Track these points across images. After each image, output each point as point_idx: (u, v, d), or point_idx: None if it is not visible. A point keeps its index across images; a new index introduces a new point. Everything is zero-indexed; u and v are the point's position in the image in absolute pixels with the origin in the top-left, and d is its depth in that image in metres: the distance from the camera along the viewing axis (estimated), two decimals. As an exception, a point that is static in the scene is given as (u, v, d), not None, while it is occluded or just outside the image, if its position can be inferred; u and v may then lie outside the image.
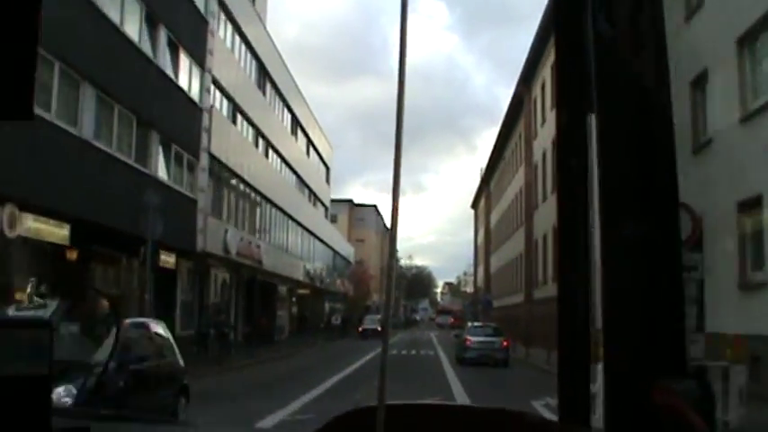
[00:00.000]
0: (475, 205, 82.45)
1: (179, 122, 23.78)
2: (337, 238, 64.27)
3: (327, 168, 59.57)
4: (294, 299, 49.23)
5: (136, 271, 21.31)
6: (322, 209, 57.31)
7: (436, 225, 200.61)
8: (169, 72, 23.00)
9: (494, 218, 66.00)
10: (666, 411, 1.01)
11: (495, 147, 60.64)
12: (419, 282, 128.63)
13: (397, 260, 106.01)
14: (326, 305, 73.60)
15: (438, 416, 1.34)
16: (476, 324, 34.25)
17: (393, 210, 0.96)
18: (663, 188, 1.09)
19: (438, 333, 76.76)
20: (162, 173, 22.69)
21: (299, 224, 46.19)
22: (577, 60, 1.21)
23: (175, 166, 23.94)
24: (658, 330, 1.08)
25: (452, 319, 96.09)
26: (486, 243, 69.45)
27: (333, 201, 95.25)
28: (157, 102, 21.41)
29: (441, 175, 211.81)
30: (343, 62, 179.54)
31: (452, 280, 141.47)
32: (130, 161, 20.04)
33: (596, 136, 1.14)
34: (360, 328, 56.39)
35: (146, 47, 21.05)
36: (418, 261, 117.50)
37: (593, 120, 1.17)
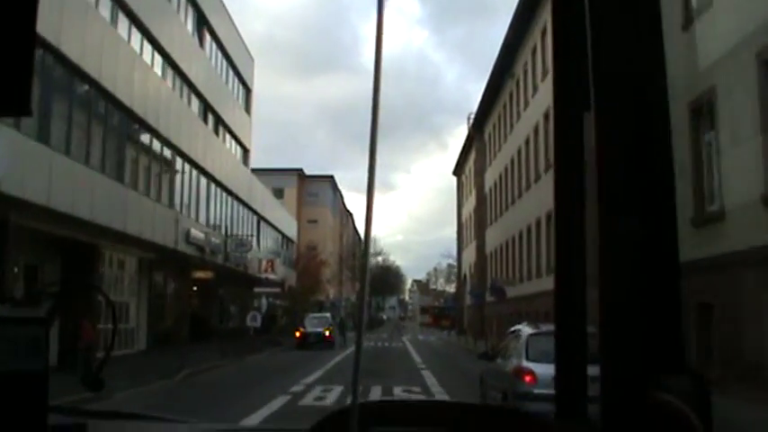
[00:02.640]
0: (459, 169, 63.71)
1: None
2: (271, 203, 44.79)
3: (247, 89, 40.06)
4: (173, 284, 29.81)
5: None
6: (239, 151, 38.18)
7: (405, 224, 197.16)
8: None
9: (491, 176, 47.42)
10: (663, 408, 1.00)
11: (494, 75, 41.92)
12: (387, 278, 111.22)
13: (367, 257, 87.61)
14: (264, 300, 54.59)
15: (435, 413, 1.33)
16: (545, 329, 12.87)
17: (367, 210, 0.95)
18: (660, 186, 1.10)
19: (412, 337, 57.74)
20: None
21: (193, 164, 27.20)
22: (574, 59, 1.23)
23: None
24: (655, 327, 1.07)
25: (431, 318, 76.83)
26: (479, 215, 50.72)
27: (278, 170, 76.75)
28: None
29: (411, 173, 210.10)
30: (312, 58, 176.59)
31: (421, 278, 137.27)
32: None
33: (594, 134, 1.12)
34: (298, 333, 37.29)
35: None
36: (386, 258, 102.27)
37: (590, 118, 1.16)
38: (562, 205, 1.30)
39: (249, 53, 39.93)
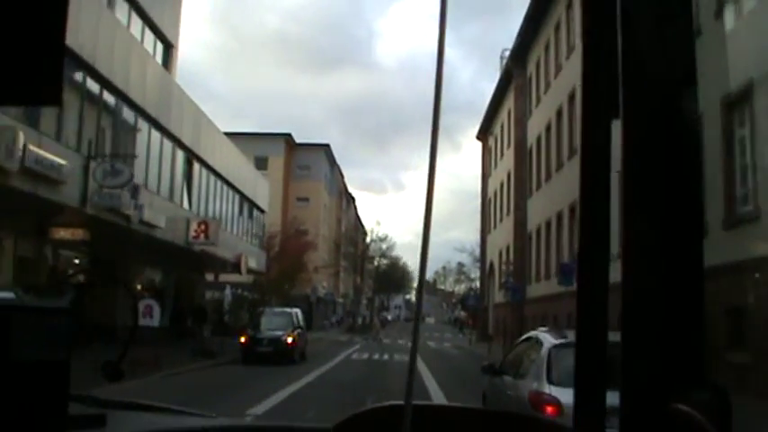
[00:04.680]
0: (485, 129, 49.59)
1: None
2: (220, 143, 30.76)
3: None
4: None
5: None
6: (158, 47, 24.31)
7: (415, 225, 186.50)
8: None
9: (536, 125, 33.63)
10: (683, 421, 1.00)
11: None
12: (392, 275, 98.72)
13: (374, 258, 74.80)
14: (228, 291, 41.10)
15: (456, 418, 1.35)
16: (565, 339, 7.67)
17: (426, 220, 0.94)
18: (687, 195, 1.09)
19: (421, 344, 43.86)
20: None
21: None
22: (603, 65, 1.22)
23: None
24: (677, 339, 1.07)
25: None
26: (519, 178, 36.79)
27: (261, 135, 62.99)
28: None
29: (422, 172, 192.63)
30: (326, 53, 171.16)
31: (428, 278, 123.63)
32: None
33: (621, 141, 1.13)
34: (243, 338, 23.45)
35: None
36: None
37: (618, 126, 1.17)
38: (586, 209, 1.28)
39: None
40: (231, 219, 31.69)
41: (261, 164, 61.40)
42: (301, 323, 25.84)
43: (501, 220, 43.16)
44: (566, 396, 6.45)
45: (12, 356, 1.09)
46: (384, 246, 72.90)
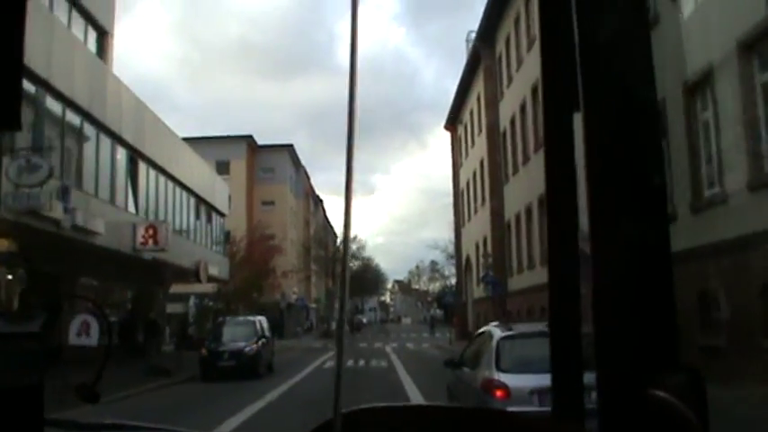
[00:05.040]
0: (455, 116, 47.42)
1: None
2: (171, 143, 28.34)
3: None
4: None
5: None
6: (91, 35, 21.77)
7: (386, 226, 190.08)
8: None
9: (508, 107, 31.63)
10: (659, 406, 1.00)
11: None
12: (366, 277, 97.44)
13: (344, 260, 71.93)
14: (192, 302, 38.60)
15: (427, 417, 1.33)
16: (519, 330, 9.37)
17: (345, 216, 0.97)
18: (651, 184, 1.10)
19: (399, 347, 41.53)
20: None
21: None
22: (562, 58, 1.22)
23: None
24: (650, 324, 1.07)
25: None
26: (493, 165, 34.75)
27: (221, 138, 60.22)
28: None
29: (391, 174, 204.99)
30: (288, 59, 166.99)
31: (402, 278, 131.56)
32: None
33: (582, 134, 1.13)
34: (203, 351, 21.04)
35: None
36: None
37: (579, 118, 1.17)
38: (553, 203, 1.31)
39: None
40: (187, 224, 29.22)
41: (222, 168, 58.72)
42: (266, 332, 23.48)
43: (476, 211, 41.12)
44: (513, 381, 7.81)
45: None
46: (354, 246, 70.62)
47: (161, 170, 25.45)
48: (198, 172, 31.04)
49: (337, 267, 71.56)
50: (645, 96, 1.11)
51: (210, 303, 40.24)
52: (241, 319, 24.70)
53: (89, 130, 19.45)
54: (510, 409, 7.15)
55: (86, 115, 18.72)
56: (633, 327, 1.07)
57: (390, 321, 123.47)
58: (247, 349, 20.67)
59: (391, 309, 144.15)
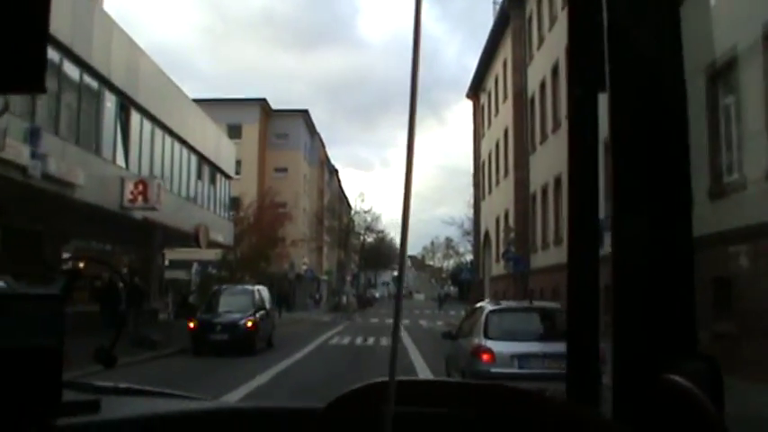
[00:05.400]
0: (477, 85, 44.80)
1: None
2: (167, 91, 26.10)
3: None
4: None
5: None
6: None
7: (402, 201, 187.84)
8: None
9: (538, 70, 29.09)
10: (674, 390, 1.00)
11: None
12: (378, 250, 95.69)
13: (359, 233, 70.59)
14: (195, 269, 36.90)
15: (445, 392, 1.30)
16: (505, 305, 11.79)
17: (405, 204, 0.90)
18: (675, 167, 1.09)
19: (411, 324, 39.38)
20: None
21: None
22: (590, 39, 1.22)
23: None
24: (668, 311, 1.07)
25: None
26: (519, 132, 32.27)
27: (233, 101, 58.06)
28: None
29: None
30: (310, 30, 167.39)
31: (416, 254, 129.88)
32: None
33: (608, 115, 1.12)
34: (191, 324, 18.93)
35: None
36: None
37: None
38: (576, 184, 1.29)
39: None
40: (187, 184, 27.02)
41: (234, 132, 56.54)
42: (267, 303, 21.39)
43: (497, 183, 38.74)
44: (497, 347, 9.35)
45: (3, 343, 1.09)
46: (368, 218, 68.47)
47: (158, 123, 23.22)
48: (202, 129, 28.81)
49: (350, 239, 69.61)
50: (672, 81, 1.07)
51: (214, 271, 38.34)
52: (238, 288, 22.46)
53: (70, 69, 17.23)
54: (493, 370, 8.94)
55: (67, 51, 16.47)
56: (652, 311, 1.05)
57: (404, 296, 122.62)
58: (242, 322, 18.55)
59: (405, 284, 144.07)
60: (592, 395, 1.23)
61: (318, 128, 67.71)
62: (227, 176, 33.38)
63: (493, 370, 8.99)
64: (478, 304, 11.63)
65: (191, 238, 26.75)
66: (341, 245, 67.67)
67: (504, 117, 36.41)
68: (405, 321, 42.11)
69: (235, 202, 42.69)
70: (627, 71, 1.09)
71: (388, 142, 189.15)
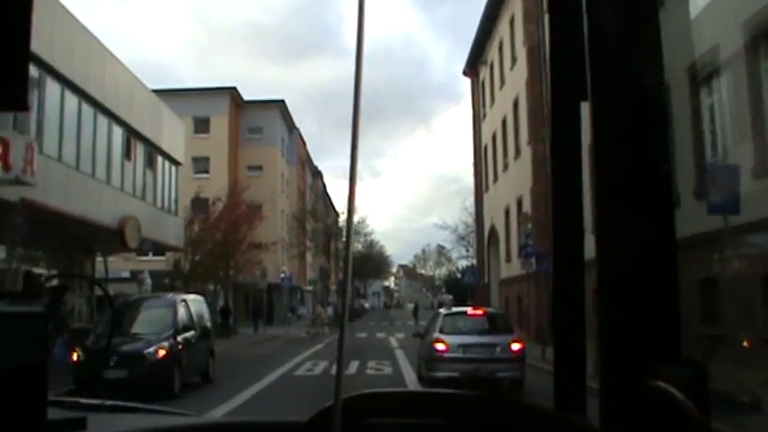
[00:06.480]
0: (477, 57, 38.44)
1: None
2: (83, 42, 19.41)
3: None
4: None
5: None
6: None
7: (393, 211, 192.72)
8: None
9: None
10: (660, 397, 1.00)
11: None
12: (369, 259, 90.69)
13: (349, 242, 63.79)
14: (148, 280, 30.54)
15: (431, 403, 1.31)
16: (455, 310, 16.46)
17: (349, 198, 0.98)
18: (657, 174, 1.09)
19: (405, 338, 32.96)
20: None
21: None
22: (571, 48, 1.21)
23: None
24: (653, 318, 1.07)
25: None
26: (534, 98, 25.91)
27: (200, 90, 51.34)
28: None
29: (399, 159, 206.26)
30: (297, 42, 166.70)
31: (407, 263, 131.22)
32: None
33: (590, 123, 1.12)
34: (74, 355, 12.34)
35: None
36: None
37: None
38: (559, 192, 1.29)
39: None
40: (107, 163, 20.42)
41: (201, 126, 50.19)
42: (204, 321, 14.96)
43: (505, 168, 32.42)
44: (449, 339, 13.52)
45: None
46: (355, 219, 61.88)
47: (63, 79, 16.77)
48: (133, 96, 22.28)
49: (336, 243, 63.09)
50: (652, 87, 1.08)
51: (166, 281, 31.78)
52: (153, 300, 15.65)
53: None
54: (445, 356, 13.23)
55: None
56: (637, 318, 1.05)
57: (395, 307, 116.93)
58: (150, 350, 12.07)
59: (396, 294, 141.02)
60: (578, 403, 1.22)
61: (307, 140, 61.34)
62: (174, 162, 26.77)
63: (446, 355, 13.37)
64: (437, 311, 17.02)
65: (114, 236, 20.21)
66: (324, 251, 61.00)
67: (512, 86, 30.14)
68: (398, 335, 35.70)
69: (203, 204, 36.22)
70: (608, 80, 1.09)
71: (377, 152, 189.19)
